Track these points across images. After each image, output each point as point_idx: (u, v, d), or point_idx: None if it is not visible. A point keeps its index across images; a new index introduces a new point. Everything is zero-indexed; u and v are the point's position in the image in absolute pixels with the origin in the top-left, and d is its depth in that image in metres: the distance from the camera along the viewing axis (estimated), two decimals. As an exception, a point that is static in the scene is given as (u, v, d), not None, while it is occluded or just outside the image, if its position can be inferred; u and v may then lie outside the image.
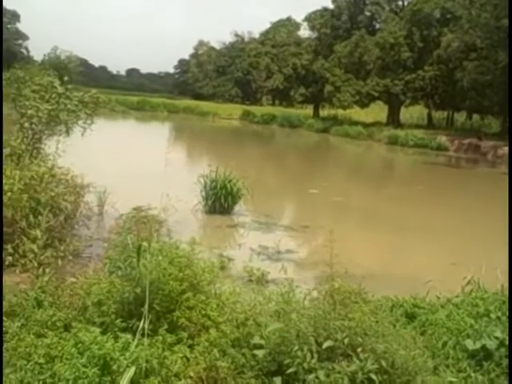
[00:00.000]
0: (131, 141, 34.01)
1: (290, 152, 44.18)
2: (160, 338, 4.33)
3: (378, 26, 68.95)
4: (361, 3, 69.32)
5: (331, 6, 71.94)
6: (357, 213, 17.44)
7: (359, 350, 4.41)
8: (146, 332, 4.14)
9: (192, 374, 4.18)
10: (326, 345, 4.44)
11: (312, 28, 76.02)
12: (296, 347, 4.39)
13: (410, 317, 6.49)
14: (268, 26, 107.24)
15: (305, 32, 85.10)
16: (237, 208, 14.89)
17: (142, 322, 4.16)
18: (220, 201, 14.41)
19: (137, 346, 3.95)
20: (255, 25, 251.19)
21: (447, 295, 7.33)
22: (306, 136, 59.99)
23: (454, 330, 5.74)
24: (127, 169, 19.70)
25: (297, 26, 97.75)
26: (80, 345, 4.07)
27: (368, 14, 70.10)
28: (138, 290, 4.54)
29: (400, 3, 66.75)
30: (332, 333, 4.53)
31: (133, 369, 3.73)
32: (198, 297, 4.96)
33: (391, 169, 38.63)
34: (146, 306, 4.28)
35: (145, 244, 4.62)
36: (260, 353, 4.51)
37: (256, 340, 4.61)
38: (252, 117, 76.54)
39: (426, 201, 21.67)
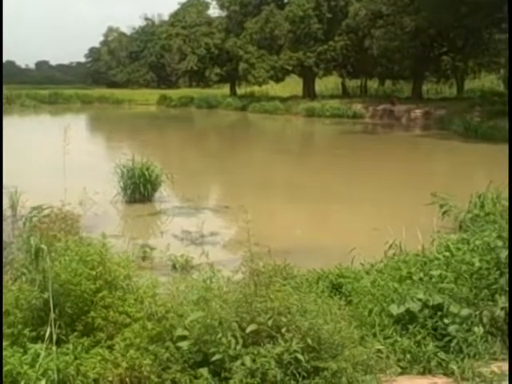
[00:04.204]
0: (43, 136, 32.67)
1: (207, 134, 43.74)
2: (72, 343, 4.07)
3: (286, -1, 68.98)
4: (267, -22, 68.99)
5: (238, -18, 71.29)
6: (278, 188, 17.47)
7: (284, 330, 4.30)
8: (53, 339, 3.85)
9: (112, 378, 3.94)
10: (249, 329, 4.31)
11: (221, 6, 75.17)
12: (220, 335, 4.24)
13: (336, 287, 6.45)
14: (177, 7, 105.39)
15: (214, 11, 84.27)
16: (157, 195, 14.58)
17: (49, 328, 3.87)
18: (139, 189, 14.06)
19: (46, 356, 3.67)
20: (166, 6, 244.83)
21: (371, 261, 7.36)
22: (225, 115, 59.70)
23: (379, 296, 5.71)
24: (43, 165, 18.87)
25: (206, 5, 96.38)
26: (-16, 362, 3.75)
27: (275, -13, 69.97)
28: (46, 295, 4.24)
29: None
30: (255, 316, 4.40)
31: (43, 382, 3.46)
32: (115, 294, 4.70)
33: (309, 140, 39.01)
34: (52, 312, 4.00)
35: (43, 247, 4.29)
36: (184, 344, 4.32)
37: (179, 332, 4.42)
38: (169, 101, 75.55)
39: (346, 169, 21.96)
